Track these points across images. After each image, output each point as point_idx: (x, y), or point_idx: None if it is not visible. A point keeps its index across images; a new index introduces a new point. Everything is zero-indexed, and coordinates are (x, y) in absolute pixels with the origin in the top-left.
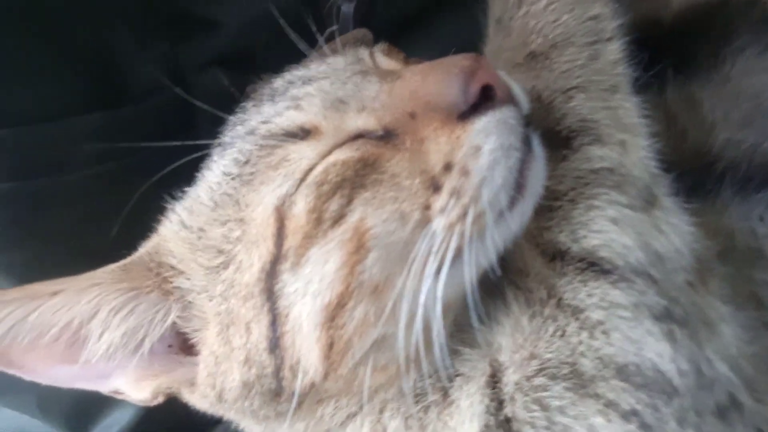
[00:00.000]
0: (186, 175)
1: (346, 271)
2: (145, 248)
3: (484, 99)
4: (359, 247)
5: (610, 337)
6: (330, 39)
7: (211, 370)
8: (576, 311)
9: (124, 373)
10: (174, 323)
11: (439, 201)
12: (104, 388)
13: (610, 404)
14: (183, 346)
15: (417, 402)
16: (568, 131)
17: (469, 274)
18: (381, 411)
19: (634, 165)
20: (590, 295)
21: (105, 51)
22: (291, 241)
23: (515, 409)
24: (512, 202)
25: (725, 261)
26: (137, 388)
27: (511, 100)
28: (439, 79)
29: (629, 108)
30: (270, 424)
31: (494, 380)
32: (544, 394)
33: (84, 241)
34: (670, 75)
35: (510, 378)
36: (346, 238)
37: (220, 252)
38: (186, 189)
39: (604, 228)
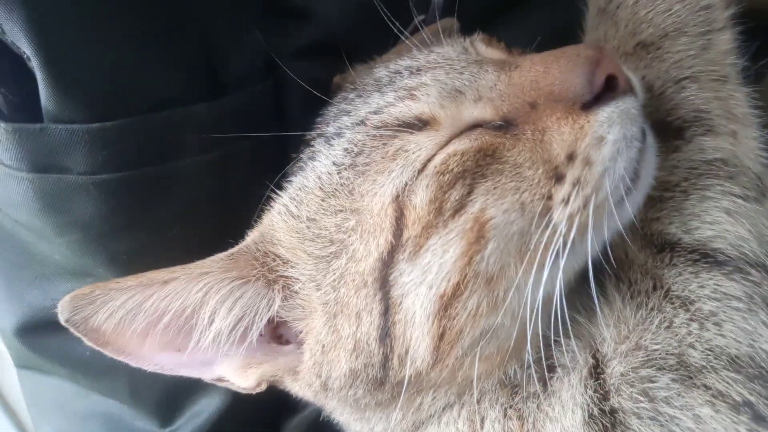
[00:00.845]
0: (278, 168)
1: (464, 261)
2: (251, 237)
3: (607, 89)
4: (479, 237)
5: (723, 328)
6: (418, 29)
7: (317, 358)
8: (686, 302)
9: (229, 361)
10: (278, 313)
11: (561, 191)
12: (208, 375)
13: (719, 395)
14: (273, 335)
15: (516, 393)
16: (681, 122)
17: (575, 264)
18: (479, 401)
19: (745, 155)
20: (702, 286)
21: (205, 41)
22: (411, 231)
23: (621, 399)
24: (629, 191)
25: None
26: (242, 376)
27: (632, 90)
28: (563, 68)
29: (739, 98)
30: (368, 412)
31: (597, 371)
32: (650, 385)
33: (189, 230)
34: None
35: (615, 369)
36: (467, 228)
37: (332, 242)
38: (290, 179)
39: (718, 219)
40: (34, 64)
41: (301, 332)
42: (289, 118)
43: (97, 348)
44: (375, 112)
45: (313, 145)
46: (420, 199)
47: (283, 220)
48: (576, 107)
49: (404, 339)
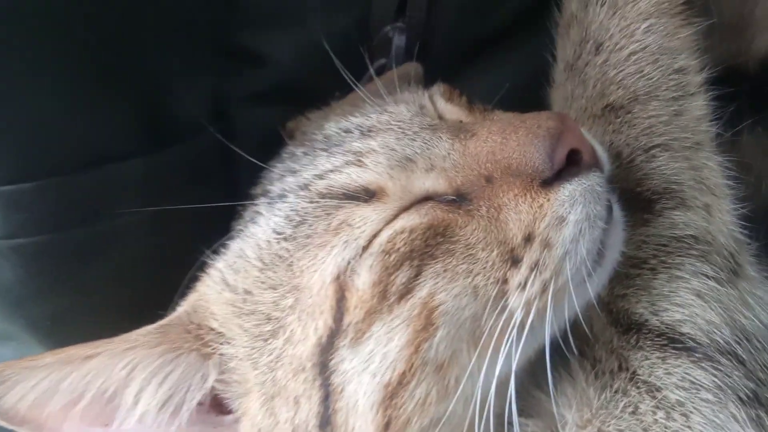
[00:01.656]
0: (226, 224)
1: (411, 350)
2: (183, 308)
3: (570, 164)
4: (427, 324)
5: (690, 419)
6: (378, 73)
7: None
8: (652, 389)
9: None
10: (212, 387)
11: (518, 276)
12: None
13: None
14: (215, 403)
15: None
16: (651, 194)
17: (533, 344)
18: None
19: (719, 231)
20: (669, 373)
21: (147, 89)
22: (352, 316)
23: None
24: (592, 271)
25: None
26: None
27: (597, 164)
28: (522, 140)
29: (714, 168)
30: None
31: None
32: None
33: (123, 291)
34: (749, 123)
35: None
36: (414, 315)
37: (269, 319)
38: (227, 243)
39: (688, 301)
40: None
41: (237, 414)
42: (242, 167)
43: (13, 427)
44: (320, 177)
45: (256, 204)
46: (363, 280)
47: (217, 291)
48: (535, 183)
49: (346, 428)
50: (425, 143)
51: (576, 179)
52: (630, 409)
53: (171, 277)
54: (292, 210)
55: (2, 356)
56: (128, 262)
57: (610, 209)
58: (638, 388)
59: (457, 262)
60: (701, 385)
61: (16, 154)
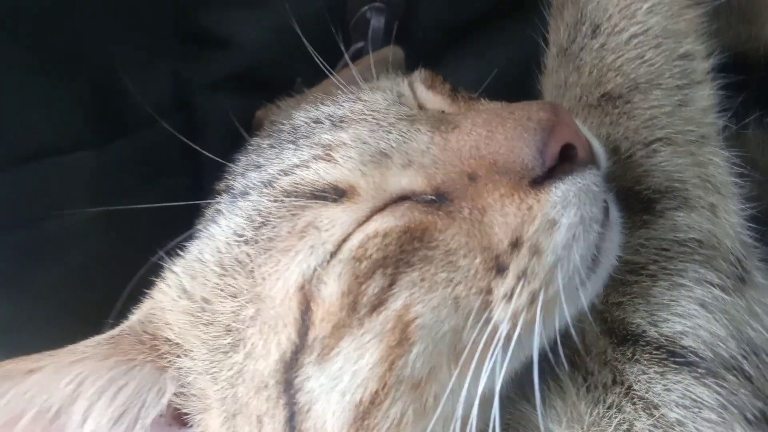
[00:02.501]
0: (190, 223)
1: (384, 367)
2: (137, 316)
3: (563, 160)
4: (402, 340)
5: None
6: (355, 57)
7: None
8: (649, 406)
9: None
10: (170, 402)
11: (503, 286)
12: None
13: None
14: (176, 415)
15: None
16: (651, 192)
17: (520, 357)
18: None
19: (725, 234)
20: (668, 389)
21: (101, 75)
22: (318, 330)
23: None
24: (586, 279)
25: None
26: None
27: (593, 160)
28: (509, 134)
29: (720, 164)
30: None
31: None
32: None
33: (77, 296)
34: (755, 116)
35: None
36: (387, 329)
37: (229, 331)
38: (185, 244)
39: (691, 312)
40: None
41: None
42: (205, 162)
43: None
44: (285, 173)
45: (218, 202)
46: (330, 291)
47: (173, 299)
48: (524, 183)
49: None
50: (402, 136)
51: (570, 178)
52: (624, 427)
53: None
54: (254, 209)
55: None
56: (81, 265)
57: (606, 210)
58: (634, 404)
59: (436, 270)
60: (704, 404)
61: None
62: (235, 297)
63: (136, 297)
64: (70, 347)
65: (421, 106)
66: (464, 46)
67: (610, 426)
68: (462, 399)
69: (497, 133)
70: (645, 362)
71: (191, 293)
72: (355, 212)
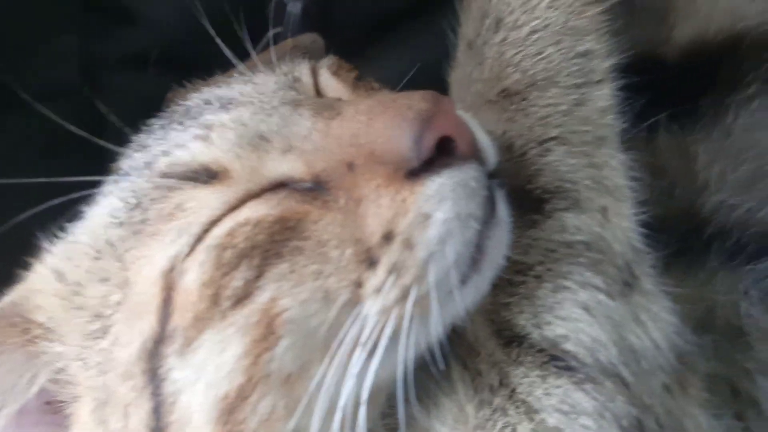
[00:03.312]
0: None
1: (249, 361)
2: (10, 297)
3: (441, 153)
4: (268, 334)
5: None
6: (275, 43)
7: None
8: (530, 410)
9: None
10: (45, 389)
11: (373, 279)
12: None
13: None
14: (54, 407)
15: None
16: (542, 192)
17: (405, 359)
18: None
19: (615, 238)
20: (548, 394)
21: None
22: (178, 320)
23: None
24: (465, 279)
25: (705, 350)
26: None
27: (475, 155)
28: (388, 123)
29: (616, 167)
30: None
31: None
32: None
33: None
34: (664, 120)
35: None
36: (252, 323)
37: (98, 316)
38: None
39: (574, 315)
40: None
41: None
42: (110, 140)
43: None
44: (165, 153)
45: (105, 184)
46: (191, 279)
47: (47, 281)
48: (400, 174)
49: None
50: (283, 120)
51: (447, 171)
52: (508, 431)
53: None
54: (130, 190)
55: None
56: None
57: (491, 208)
58: (517, 408)
59: (307, 261)
60: (582, 410)
61: None
62: (105, 281)
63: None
64: None
65: (320, 93)
66: (388, 39)
67: (495, 429)
68: (343, 396)
69: (377, 121)
70: (528, 365)
71: (65, 276)
72: (225, 195)
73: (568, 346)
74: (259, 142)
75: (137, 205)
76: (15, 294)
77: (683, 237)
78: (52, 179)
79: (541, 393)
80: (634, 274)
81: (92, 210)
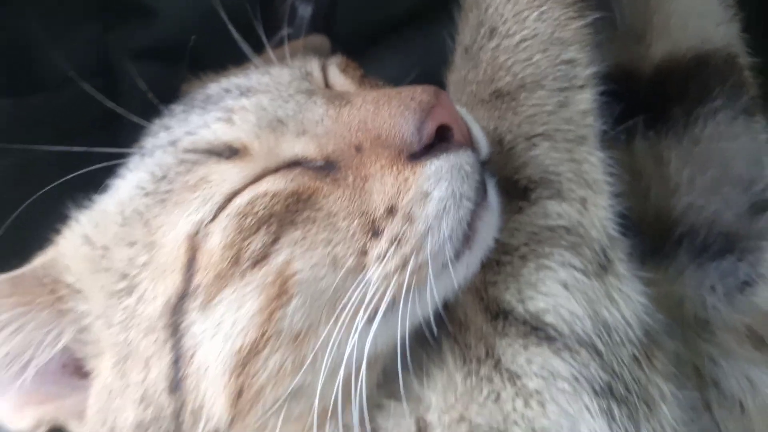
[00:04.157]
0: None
1: (263, 317)
2: (40, 260)
3: (440, 140)
4: (281, 293)
5: (546, 408)
6: (282, 43)
7: (102, 404)
8: (513, 376)
9: (2, 397)
10: (67, 347)
11: (377, 248)
12: None
13: None
14: (78, 367)
15: None
16: (528, 181)
17: (403, 327)
18: None
19: (592, 225)
20: (530, 361)
21: (19, 31)
22: (201, 278)
23: None
24: (458, 254)
25: (672, 331)
26: (17, 415)
27: (469, 143)
28: (393, 111)
29: (594, 163)
30: None
31: None
32: None
33: None
34: (640, 128)
35: None
36: (267, 282)
37: (124, 276)
38: (94, 196)
39: (554, 291)
40: None
41: (91, 373)
42: (127, 124)
43: None
44: (190, 133)
45: (128, 161)
46: (215, 242)
47: (76, 245)
48: (403, 156)
49: (198, 393)
50: (299, 106)
51: (444, 155)
52: (493, 397)
53: (38, 231)
54: (156, 165)
55: None
56: None
57: (483, 192)
58: (501, 375)
59: (318, 230)
60: (559, 375)
61: None
62: (132, 245)
63: (41, 243)
64: None
65: (329, 86)
66: (389, 44)
67: (481, 395)
68: (345, 357)
69: (383, 109)
70: (512, 336)
71: (93, 241)
72: (246, 170)
73: (549, 319)
74: (276, 124)
75: (163, 177)
76: (45, 257)
77: (657, 235)
78: (80, 149)
79: (523, 360)
80: (608, 258)
81: (118, 183)
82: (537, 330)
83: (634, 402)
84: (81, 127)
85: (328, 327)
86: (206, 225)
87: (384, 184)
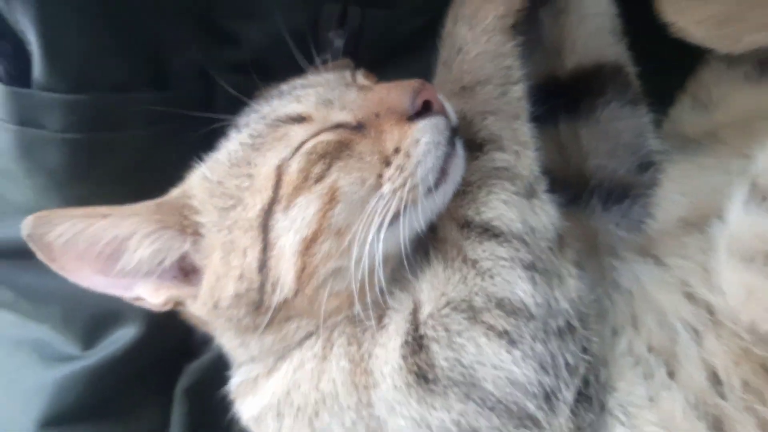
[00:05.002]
0: (206, 147)
1: (320, 215)
2: (175, 192)
3: (426, 109)
4: (331, 200)
5: (494, 279)
6: (323, 63)
7: (212, 284)
8: (474, 263)
9: (145, 283)
10: (186, 252)
11: (388, 172)
12: (129, 294)
13: (491, 328)
14: (182, 271)
15: (358, 326)
16: (481, 140)
17: (404, 232)
18: (331, 331)
19: (523, 167)
20: (484, 251)
21: (153, 46)
22: (285, 190)
23: (427, 330)
24: (437, 184)
25: (591, 252)
26: (155, 295)
27: (443, 112)
28: (398, 93)
29: (524, 131)
30: (247, 336)
31: (415, 312)
32: (448, 320)
33: (127, 188)
34: (562, 115)
35: (426, 309)
36: (324, 192)
37: (232, 197)
38: (208, 154)
39: (498, 206)
40: (34, 49)
41: (202, 267)
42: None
43: (47, 262)
44: (274, 110)
45: (228, 134)
46: (294, 168)
47: (199, 182)
48: (404, 118)
49: (276, 270)
50: (340, 92)
51: (428, 118)
52: (462, 279)
53: (164, 183)
54: (252, 130)
55: None
56: (131, 165)
57: (454, 147)
58: (466, 264)
59: (354, 162)
60: (501, 257)
61: (75, 75)
62: (238, 177)
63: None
64: (132, 205)
65: (356, 84)
66: (397, 62)
67: (454, 278)
68: (366, 249)
69: (392, 92)
70: (473, 237)
71: (211, 178)
72: (309, 129)
73: (495, 223)
74: (327, 102)
75: (258, 135)
76: (178, 190)
77: (578, 188)
78: (222, 116)
79: (480, 251)
80: (534, 188)
81: (224, 143)
82: (487, 231)
83: (549, 275)
84: (189, 116)
85: (357, 225)
86: (288, 160)
87: (392, 134)
